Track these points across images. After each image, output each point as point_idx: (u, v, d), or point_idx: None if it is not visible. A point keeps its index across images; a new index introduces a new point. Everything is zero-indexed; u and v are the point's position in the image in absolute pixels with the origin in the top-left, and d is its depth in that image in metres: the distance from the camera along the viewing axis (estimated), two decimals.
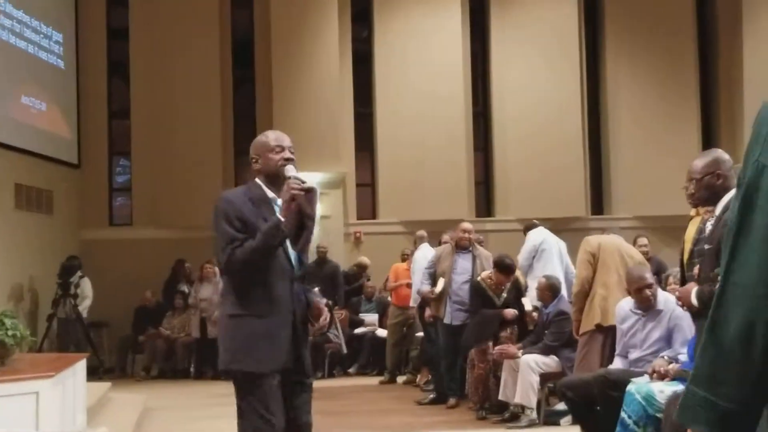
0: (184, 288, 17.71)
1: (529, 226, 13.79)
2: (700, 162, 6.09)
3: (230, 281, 5.37)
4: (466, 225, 12.74)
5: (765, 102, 1.89)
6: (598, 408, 8.07)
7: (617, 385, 7.78)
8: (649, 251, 13.54)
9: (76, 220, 18.93)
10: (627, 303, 8.54)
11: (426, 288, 12.51)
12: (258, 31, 19.77)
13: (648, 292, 8.30)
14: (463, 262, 12.38)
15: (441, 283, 12.32)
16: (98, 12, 19.55)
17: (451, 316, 12.28)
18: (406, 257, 15.85)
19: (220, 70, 19.37)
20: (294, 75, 18.87)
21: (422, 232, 15.16)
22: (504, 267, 11.56)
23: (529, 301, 11.72)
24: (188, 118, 18.89)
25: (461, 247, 12.45)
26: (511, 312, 11.47)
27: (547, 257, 13.02)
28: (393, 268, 15.80)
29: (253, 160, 5.63)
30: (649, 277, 8.47)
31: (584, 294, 9.44)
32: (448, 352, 12.38)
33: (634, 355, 8.31)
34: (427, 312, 12.88)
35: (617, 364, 8.46)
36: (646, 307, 8.28)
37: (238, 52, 19.99)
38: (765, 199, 1.76)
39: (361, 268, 17.59)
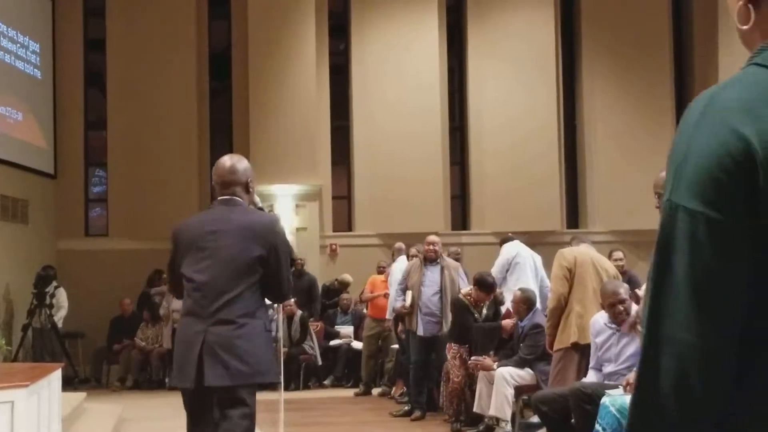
0: (156, 299, 17.71)
1: (504, 239, 13.84)
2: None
3: (263, 299, 5.67)
4: (432, 237, 12.85)
5: (679, 127, 1.86)
6: (573, 422, 8.10)
7: (592, 398, 7.81)
8: (624, 265, 13.60)
9: (52, 230, 18.89)
10: (602, 317, 8.56)
11: (399, 303, 12.62)
12: (235, 42, 19.79)
13: (621, 307, 8.34)
14: (432, 275, 12.49)
15: (409, 296, 12.42)
16: (75, 22, 19.54)
17: (422, 328, 12.35)
18: (382, 270, 15.89)
19: (196, 81, 19.38)
20: (271, 87, 18.89)
21: (400, 245, 15.21)
22: (485, 285, 11.65)
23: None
24: (165, 129, 18.89)
25: (429, 259, 12.55)
26: (509, 323, 11.50)
27: (520, 271, 13.07)
28: (370, 279, 15.84)
29: (250, 184, 5.93)
30: (623, 293, 8.49)
31: (560, 310, 9.41)
32: (417, 364, 12.46)
33: (608, 369, 8.34)
34: (399, 327, 13.06)
35: (591, 377, 8.49)
36: (621, 321, 8.31)
37: (215, 64, 20.00)
38: (685, 244, 1.69)
39: (343, 285, 17.57)
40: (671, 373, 1.72)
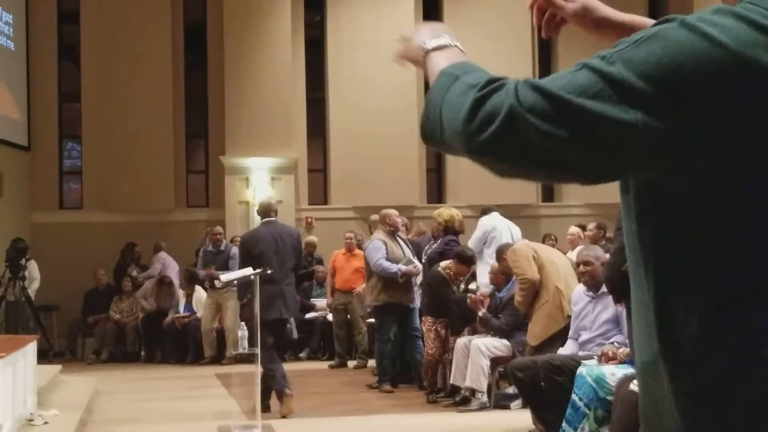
0: (134, 272, 17.73)
1: (484, 211, 13.81)
2: None
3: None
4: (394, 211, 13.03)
5: None
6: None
7: (562, 370, 7.85)
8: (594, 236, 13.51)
9: (26, 203, 18.79)
10: (581, 286, 8.57)
11: (404, 267, 12.35)
12: (210, 14, 19.67)
13: (583, 268, 8.37)
14: (405, 248, 12.57)
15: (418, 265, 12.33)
16: None
17: (418, 300, 12.37)
18: (355, 241, 15.87)
19: (171, 54, 19.29)
20: (246, 60, 18.82)
21: (376, 217, 15.16)
22: (465, 259, 11.65)
23: (476, 285, 11.76)
24: (139, 101, 18.78)
25: (396, 232, 12.65)
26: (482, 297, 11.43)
27: (496, 244, 13.03)
28: (333, 256, 15.85)
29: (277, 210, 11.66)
30: (593, 256, 8.40)
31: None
32: (396, 338, 12.45)
33: (583, 336, 8.36)
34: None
35: (569, 346, 8.52)
36: (596, 288, 8.28)
37: (190, 36, 19.89)
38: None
39: (310, 247, 17.51)
40: (490, 106, 1.71)
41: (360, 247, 16.00)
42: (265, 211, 11.08)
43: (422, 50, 2.05)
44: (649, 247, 1.76)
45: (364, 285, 14.83)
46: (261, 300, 9.75)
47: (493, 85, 1.74)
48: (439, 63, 1.97)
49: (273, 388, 10.62)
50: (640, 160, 1.69)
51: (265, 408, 10.31)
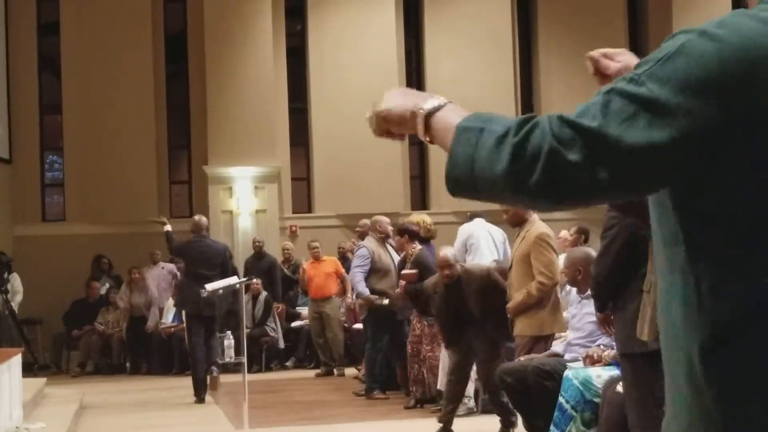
0: (106, 284, 17.71)
1: (471, 216, 13.79)
2: None
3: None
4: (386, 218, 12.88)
5: None
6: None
7: (551, 374, 7.83)
8: (575, 241, 13.51)
9: (8, 216, 18.70)
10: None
11: (366, 291, 12.19)
12: (191, 24, 19.65)
13: (564, 269, 8.38)
14: (394, 255, 12.44)
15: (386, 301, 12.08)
16: (28, 5, 19.32)
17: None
18: (342, 250, 15.87)
19: (153, 64, 19.25)
20: (228, 69, 18.80)
21: (366, 221, 15.06)
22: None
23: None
24: (121, 112, 18.74)
25: (387, 239, 12.54)
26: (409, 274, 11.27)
27: (475, 251, 12.99)
28: (302, 267, 15.81)
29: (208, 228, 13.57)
30: (578, 258, 8.32)
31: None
32: (386, 345, 12.34)
33: (571, 336, 8.33)
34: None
35: (557, 347, 8.48)
36: (583, 289, 8.21)
37: (170, 46, 19.87)
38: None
39: (287, 251, 17.51)
40: (546, 144, 1.71)
41: (345, 256, 15.99)
42: (198, 228, 13.08)
43: (420, 116, 2.00)
44: (685, 241, 1.77)
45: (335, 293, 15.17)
46: (189, 299, 12.50)
47: (527, 127, 1.75)
48: (450, 120, 1.93)
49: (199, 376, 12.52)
50: (681, 171, 1.71)
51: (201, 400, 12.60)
